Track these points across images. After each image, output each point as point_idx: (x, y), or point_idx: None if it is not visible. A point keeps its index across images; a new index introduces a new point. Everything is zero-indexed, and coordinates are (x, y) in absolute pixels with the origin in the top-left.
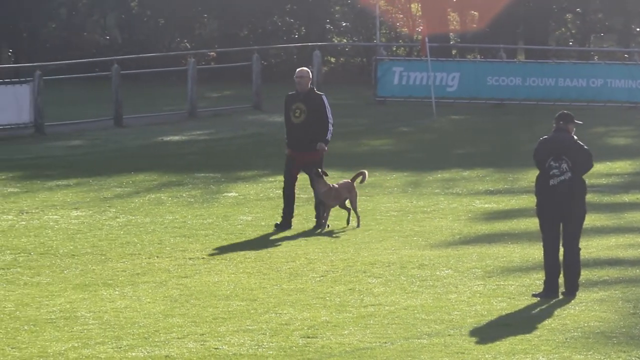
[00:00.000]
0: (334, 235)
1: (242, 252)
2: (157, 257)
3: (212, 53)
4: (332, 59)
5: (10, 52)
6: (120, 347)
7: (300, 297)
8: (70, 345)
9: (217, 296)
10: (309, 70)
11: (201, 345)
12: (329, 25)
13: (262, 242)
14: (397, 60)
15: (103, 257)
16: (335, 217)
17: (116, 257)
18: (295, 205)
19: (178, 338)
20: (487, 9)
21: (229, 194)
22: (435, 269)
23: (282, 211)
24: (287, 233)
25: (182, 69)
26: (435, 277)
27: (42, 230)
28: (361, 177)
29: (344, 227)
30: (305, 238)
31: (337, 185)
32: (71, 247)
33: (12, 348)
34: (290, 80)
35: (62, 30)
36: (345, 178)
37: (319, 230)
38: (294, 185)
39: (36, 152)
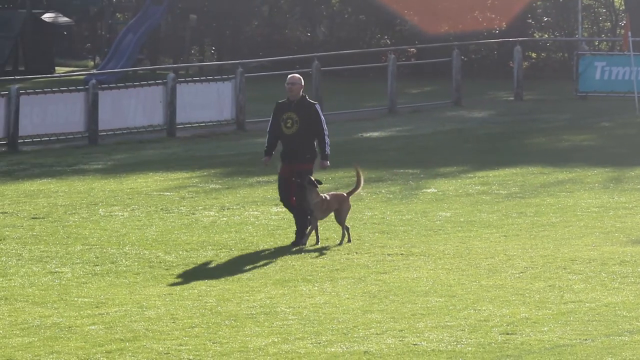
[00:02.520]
0: (533, 232)
1: (441, 249)
2: (356, 253)
3: (412, 49)
4: (533, 54)
5: (213, 49)
6: (319, 343)
7: (499, 293)
8: (270, 340)
9: (415, 292)
10: (301, 77)
11: (400, 341)
12: (530, 20)
13: (460, 239)
14: (599, 55)
15: (302, 254)
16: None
17: (315, 253)
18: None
19: (377, 334)
20: None
21: (428, 190)
22: (637, 266)
23: (295, 226)
24: (486, 230)
25: (382, 65)
26: (637, 273)
27: (243, 227)
28: (356, 189)
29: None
30: (504, 234)
31: (328, 197)
32: (271, 243)
33: (213, 343)
34: (491, 76)
35: (264, 28)
36: (542, 174)
37: (296, 248)
38: (292, 199)
39: (237, 148)
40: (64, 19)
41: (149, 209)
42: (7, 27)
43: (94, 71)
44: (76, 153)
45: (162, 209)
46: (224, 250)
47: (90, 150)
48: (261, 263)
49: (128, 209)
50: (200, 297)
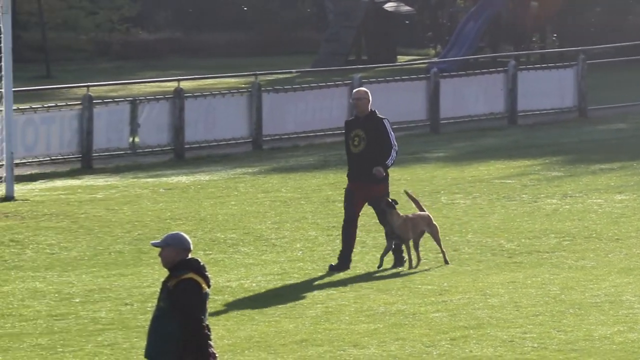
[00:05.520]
0: None
1: None
2: None
3: None
4: None
5: (554, 36)
6: None
7: None
8: (616, 329)
9: None
10: (367, 91)
11: None
12: None
13: None
14: None
15: None
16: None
17: None
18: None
19: None
20: None
21: None
22: None
23: (340, 251)
24: None
25: None
26: None
27: (586, 214)
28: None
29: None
30: None
31: (412, 216)
32: (615, 231)
33: (557, 331)
34: None
35: (606, 14)
36: None
37: (400, 269)
38: (356, 222)
39: (579, 136)
40: (405, 8)
41: (491, 196)
42: (350, 17)
43: (435, 59)
44: (418, 141)
45: (503, 196)
46: (567, 238)
47: (432, 139)
48: (605, 251)
49: (470, 197)
50: (544, 285)
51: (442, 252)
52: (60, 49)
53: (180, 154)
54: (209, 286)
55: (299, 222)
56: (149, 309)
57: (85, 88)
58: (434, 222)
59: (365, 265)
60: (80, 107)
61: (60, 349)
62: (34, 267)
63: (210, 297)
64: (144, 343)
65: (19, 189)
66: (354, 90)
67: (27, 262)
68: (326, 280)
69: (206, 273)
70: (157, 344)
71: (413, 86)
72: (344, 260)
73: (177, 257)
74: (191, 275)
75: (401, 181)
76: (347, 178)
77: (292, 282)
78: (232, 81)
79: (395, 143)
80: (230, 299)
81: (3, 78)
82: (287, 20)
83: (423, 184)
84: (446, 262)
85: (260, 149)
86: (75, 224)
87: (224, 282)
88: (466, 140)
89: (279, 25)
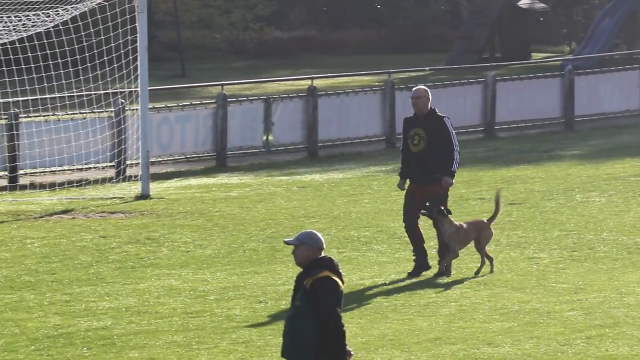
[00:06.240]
0: None
1: None
2: None
3: None
4: None
5: None
6: None
7: None
8: None
9: None
10: (427, 89)
11: None
12: None
13: None
14: None
15: None
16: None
17: None
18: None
19: None
20: None
21: None
22: None
23: (413, 254)
24: None
25: None
26: None
27: None
28: (495, 215)
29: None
30: None
31: (465, 225)
32: None
33: None
34: None
35: None
36: None
37: (443, 278)
38: (417, 224)
39: None
40: (540, 5)
41: (627, 194)
42: (484, 14)
43: (570, 57)
44: (552, 139)
45: (639, 194)
46: None
47: (566, 136)
48: None
49: (605, 195)
50: None
51: (482, 261)
52: (195, 48)
53: (313, 152)
54: (342, 284)
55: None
56: (283, 306)
57: (220, 87)
58: (490, 230)
59: (500, 264)
60: (214, 105)
61: (195, 346)
62: (169, 264)
63: (343, 295)
64: (277, 341)
65: (155, 187)
66: (414, 89)
67: (163, 260)
68: (460, 278)
69: (340, 271)
70: (295, 343)
71: (547, 83)
72: (420, 264)
73: (310, 255)
74: (327, 273)
75: (535, 179)
76: (398, 176)
77: (425, 280)
78: (365, 79)
79: (457, 143)
80: (364, 297)
81: (139, 77)
82: (420, 17)
83: (557, 181)
84: (477, 273)
85: (393, 147)
86: (209, 222)
87: (357, 280)
88: (601, 137)
89: (412, 22)
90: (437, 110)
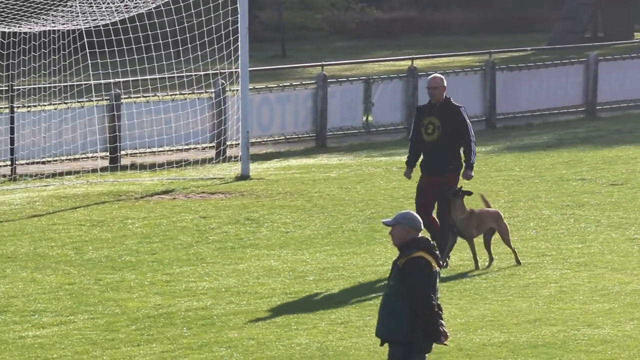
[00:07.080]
0: None
1: None
2: None
3: None
4: None
5: None
6: None
7: None
8: None
9: None
10: (443, 78)
11: None
12: None
13: None
14: None
15: None
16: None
17: None
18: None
19: None
20: None
21: None
22: None
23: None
24: None
25: None
26: None
27: None
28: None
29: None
30: None
31: (478, 212)
32: None
33: None
34: None
35: None
36: None
37: (444, 264)
38: (432, 215)
39: None
40: None
41: None
42: None
43: None
44: None
45: None
46: None
47: None
48: None
49: None
50: None
51: (513, 251)
52: (296, 28)
53: None
54: (439, 265)
55: (532, 200)
56: (381, 287)
57: (320, 67)
58: (504, 221)
59: (600, 245)
60: (314, 86)
61: (294, 327)
62: (268, 245)
63: (442, 276)
64: (376, 322)
65: (254, 167)
66: (429, 78)
67: (262, 240)
68: (560, 259)
69: (436, 252)
70: (388, 322)
71: None
72: (443, 252)
73: (407, 235)
74: (421, 253)
75: (637, 159)
76: (405, 165)
77: (525, 261)
78: (465, 59)
79: (473, 134)
80: (463, 278)
81: (239, 58)
82: None
83: None
84: (518, 262)
85: (493, 128)
86: (309, 202)
87: (456, 260)
88: None
89: (514, 3)
90: (452, 100)
